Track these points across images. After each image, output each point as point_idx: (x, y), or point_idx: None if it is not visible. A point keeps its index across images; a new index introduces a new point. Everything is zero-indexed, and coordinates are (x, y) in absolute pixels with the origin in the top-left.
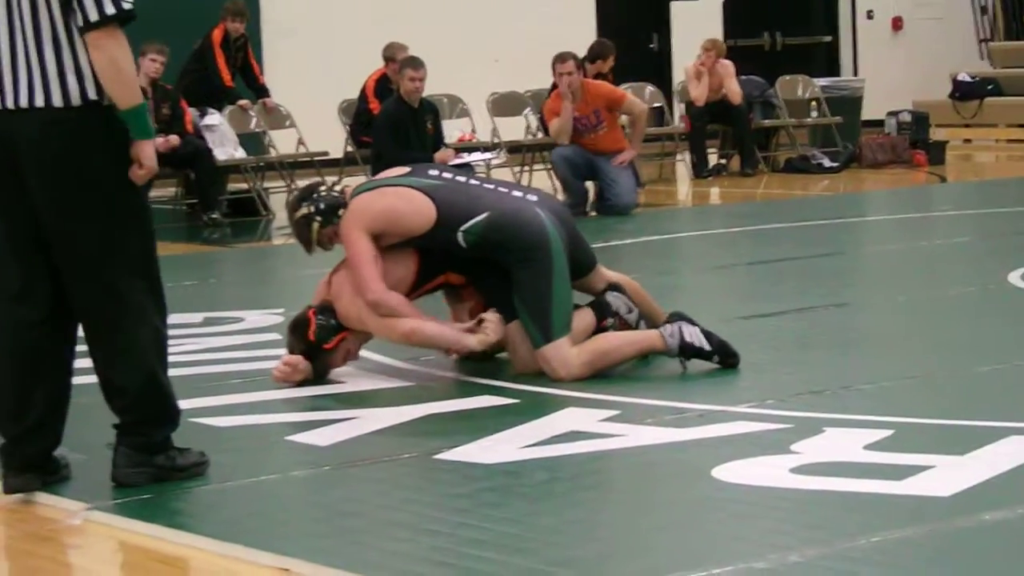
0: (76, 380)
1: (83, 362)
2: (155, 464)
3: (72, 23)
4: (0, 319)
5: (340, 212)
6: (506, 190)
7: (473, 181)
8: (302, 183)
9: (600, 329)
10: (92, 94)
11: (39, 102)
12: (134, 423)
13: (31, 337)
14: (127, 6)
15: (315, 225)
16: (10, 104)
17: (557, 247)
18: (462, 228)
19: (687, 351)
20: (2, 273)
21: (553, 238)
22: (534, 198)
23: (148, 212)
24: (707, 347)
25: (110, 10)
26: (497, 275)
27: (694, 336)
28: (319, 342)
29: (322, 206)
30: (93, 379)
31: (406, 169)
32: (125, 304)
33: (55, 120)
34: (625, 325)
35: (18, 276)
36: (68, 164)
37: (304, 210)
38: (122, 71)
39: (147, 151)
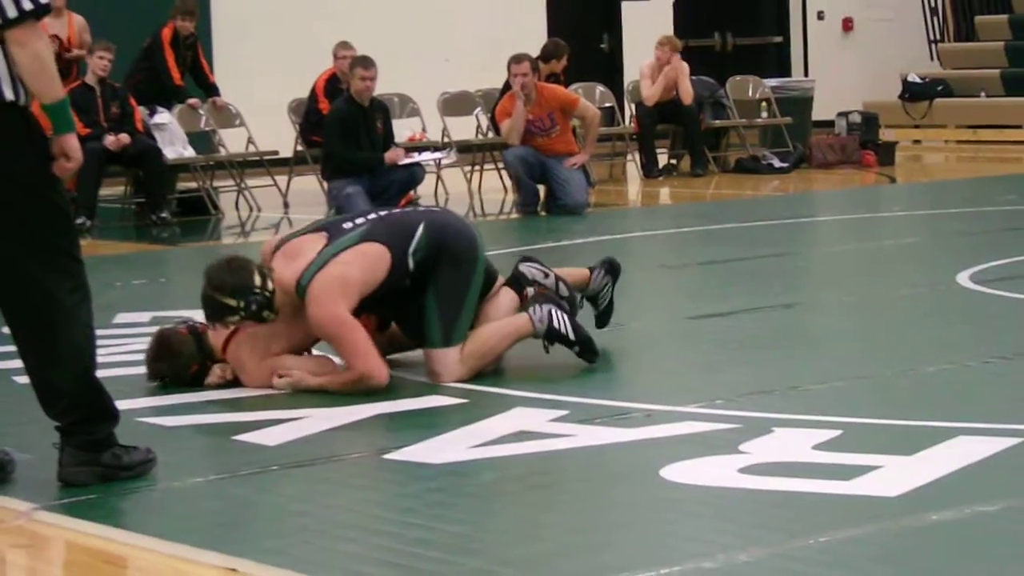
0: (21, 379)
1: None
2: (101, 463)
3: None
4: None
5: (265, 314)
6: (412, 209)
7: (382, 212)
8: (251, 182)
9: (523, 300)
10: (8, 95)
11: None
12: (77, 423)
13: None
14: (44, 0)
15: (235, 318)
16: None
17: (483, 259)
18: (411, 251)
19: (553, 336)
20: None
21: (481, 250)
22: (440, 210)
23: (70, 210)
24: (572, 337)
25: (28, 6)
26: (412, 304)
27: (562, 323)
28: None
29: (253, 308)
30: None
31: (324, 237)
32: (56, 304)
33: None
34: (545, 290)
35: None
36: None
37: (232, 302)
38: (46, 65)
39: (73, 144)
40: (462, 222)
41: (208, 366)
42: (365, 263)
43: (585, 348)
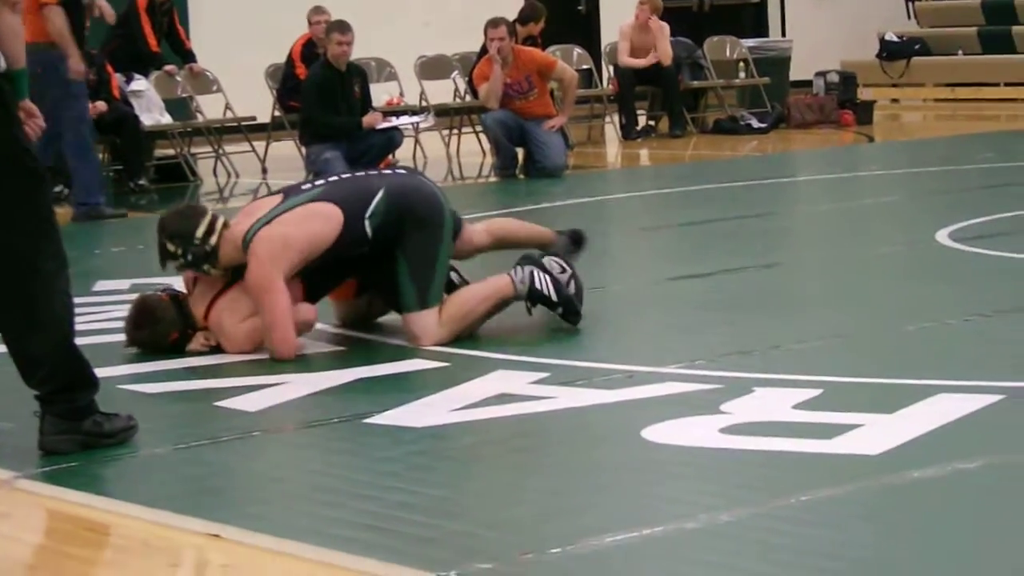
0: (0, 349)
1: None
2: (82, 430)
3: None
4: None
5: (206, 267)
6: (376, 172)
7: (344, 175)
8: (229, 148)
9: None
10: None
11: None
12: (57, 391)
13: None
14: None
15: (174, 263)
16: None
17: (448, 218)
18: (367, 215)
19: (535, 297)
20: None
21: (446, 208)
22: (404, 172)
23: (47, 176)
24: (554, 298)
25: None
26: (385, 270)
27: (544, 284)
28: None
29: (190, 258)
30: None
31: (278, 198)
32: (34, 272)
33: None
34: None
35: None
36: None
37: (171, 247)
38: (22, 31)
39: (33, 106)
40: (424, 184)
41: (189, 334)
42: (312, 222)
43: (568, 309)
